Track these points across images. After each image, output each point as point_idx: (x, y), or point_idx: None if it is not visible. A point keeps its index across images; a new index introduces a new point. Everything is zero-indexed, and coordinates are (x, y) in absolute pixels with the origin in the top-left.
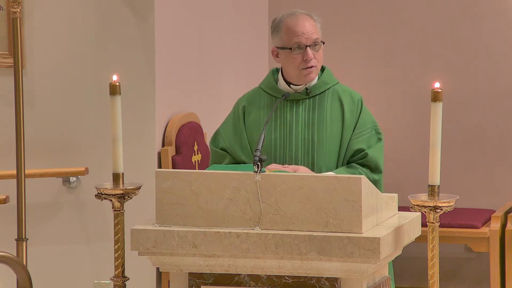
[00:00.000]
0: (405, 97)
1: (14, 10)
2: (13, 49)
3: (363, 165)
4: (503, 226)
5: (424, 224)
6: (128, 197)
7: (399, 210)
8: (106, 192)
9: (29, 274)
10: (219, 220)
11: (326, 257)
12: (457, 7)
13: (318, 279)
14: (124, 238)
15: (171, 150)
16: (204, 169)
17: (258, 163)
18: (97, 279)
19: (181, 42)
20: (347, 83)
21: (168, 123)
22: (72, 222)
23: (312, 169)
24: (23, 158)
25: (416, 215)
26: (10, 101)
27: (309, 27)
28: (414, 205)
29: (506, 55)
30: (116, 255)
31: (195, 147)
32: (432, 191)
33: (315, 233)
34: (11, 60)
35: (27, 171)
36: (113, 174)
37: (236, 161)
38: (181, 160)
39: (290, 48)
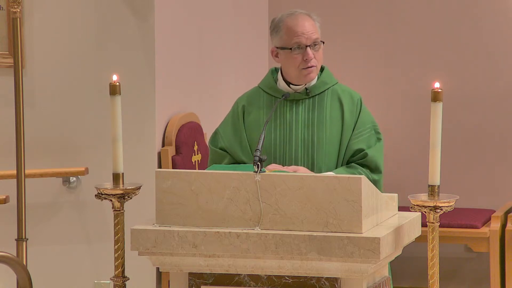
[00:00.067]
0: (405, 97)
1: (14, 10)
2: (13, 49)
3: (362, 165)
4: (503, 226)
5: (424, 224)
6: (128, 197)
7: (399, 210)
8: (106, 192)
9: (29, 274)
10: (219, 220)
11: (326, 257)
12: (457, 7)
13: (318, 279)
14: (124, 238)
15: (171, 150)
16: (204, 169)
17: (258, 163)
18: (97, 279)
19: (181, 42)
20: (347, 83)
21: (168, 123)
22: (72, 222)
23: (312, 169)
24: (23, 158)
25: (416, 215)
26: (10, 101)
27: (309, 27)
28: (414, 205)
29: (506, 55)
30: (116, 255)
31: (195, 147)
32: (432, 191)
33: (315, 233)
34: (11, 60)
35: (27, 171)
36: (113, 174)
37: (236, 161)
38: (181, 160)
39: (290, 48)
